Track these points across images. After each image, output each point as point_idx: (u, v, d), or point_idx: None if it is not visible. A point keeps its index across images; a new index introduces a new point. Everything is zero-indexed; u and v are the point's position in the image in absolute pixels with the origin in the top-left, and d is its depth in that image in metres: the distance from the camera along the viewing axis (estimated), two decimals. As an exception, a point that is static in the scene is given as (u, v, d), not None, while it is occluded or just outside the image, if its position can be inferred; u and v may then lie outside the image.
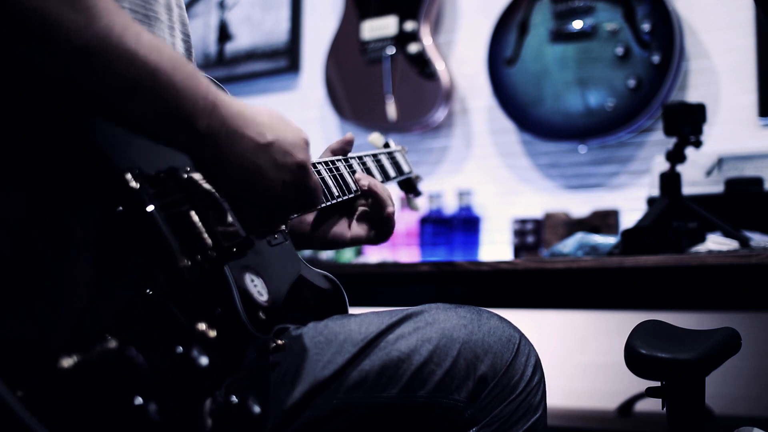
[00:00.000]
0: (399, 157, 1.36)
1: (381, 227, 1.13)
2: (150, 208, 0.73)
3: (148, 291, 0.70)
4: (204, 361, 0.70)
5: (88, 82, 0.66)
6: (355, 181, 1.12)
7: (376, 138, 1.40)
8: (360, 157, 1.20)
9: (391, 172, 1.29)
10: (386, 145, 1.39)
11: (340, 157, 1.13)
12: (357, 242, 1.13)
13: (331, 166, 1.09)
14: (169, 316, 0.71)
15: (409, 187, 1.44)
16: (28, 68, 0.64)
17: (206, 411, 0.70)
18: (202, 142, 0.75)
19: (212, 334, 0.73)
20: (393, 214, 1.12)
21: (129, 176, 0.73)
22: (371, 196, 1.11)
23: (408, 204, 1.47)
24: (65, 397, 0.59)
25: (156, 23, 0.87)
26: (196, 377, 0.70)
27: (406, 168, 1.36)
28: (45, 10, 0.62)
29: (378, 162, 1.26)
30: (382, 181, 1.23)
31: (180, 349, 0.69)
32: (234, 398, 0.75)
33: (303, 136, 0.86)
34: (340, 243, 1.13)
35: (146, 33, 0.70)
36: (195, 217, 0.78)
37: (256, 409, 0.76)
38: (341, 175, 1.10)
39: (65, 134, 0.70)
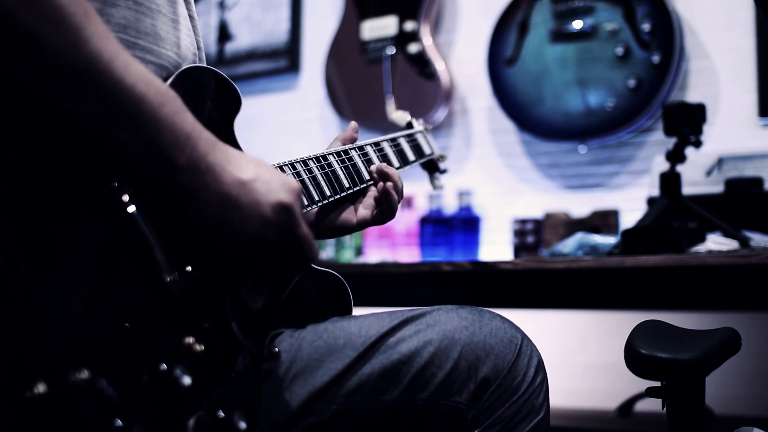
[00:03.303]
0: (420, 138, 1.32)
1: (385, 206, 1.10)
2: (132, 209, 0.71)
3: (133, 306, 0.69)
4: (187, 380, 0.68)
5: (72, 102, 0.66)
6: (370, 171, 1.10)
7: (399, 116, 1.36)
8: (377, 143, 1.17)
9: (411, 156, 1.25)
10: (409, 125, 1.36)
11: (353, 146, 1.11)
12: (363, 226, 1.11)
13: (344, 156, 1.07)
14: (155, 331, 0.70)
15: (432, 167, 1.41)
16: (16, 79, 0.64)
17: (191, 427, 0.69)
18: (180, 177, 0.73)
19: (199, 348, 0.72)
20: (392, 188, 1.09)
21: (116, 184, 0.71)
22: (382, 177, 1.10)
23: (431, 183, 1.43)
24: (42, 418, 0.59)
25: (157, 16, 0.86)
26: (178, 397, 0.68)
27: (427, 150, 1.32)
28: (34, 26, 0.63)
29: (396, 146, 1.22)
30: (400, 167, 1.20)
31: (164, 366, 0.68)
32: (220, 413, 0.73)
33: (291, 182, 0.80)
34: (347, 229, 1.11)
35: (136, 64, 0.70)
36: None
37: (242, 425, 0.74)
38: (354, 165, 1.08)
39: (59, 145, 0.69)
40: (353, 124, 1.15)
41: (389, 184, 1.09)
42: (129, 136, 0.69)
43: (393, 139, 1.22)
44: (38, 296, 0.61)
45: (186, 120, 0.73)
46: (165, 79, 0.85)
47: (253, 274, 0.80)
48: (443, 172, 1.42)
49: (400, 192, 1.11)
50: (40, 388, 0.59)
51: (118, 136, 0.69)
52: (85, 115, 0.67)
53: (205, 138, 0.75)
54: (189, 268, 0.75)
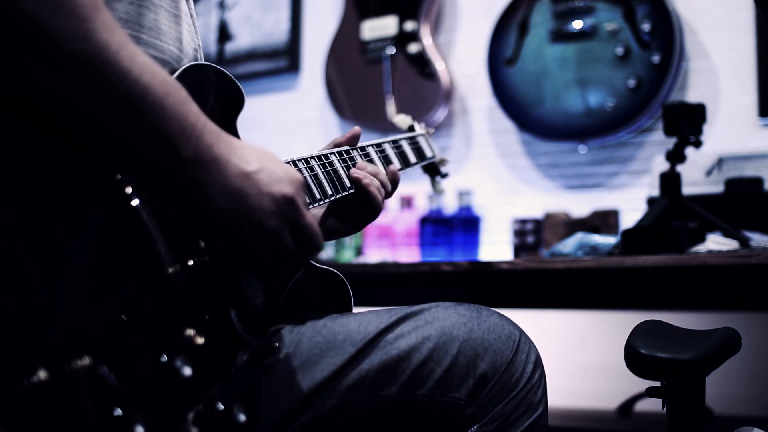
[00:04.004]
0: (422, 141, 1.32)
1: (368, 204, 1.08)
2: (135, 202, 0.71)
3: (134, 298, 0.69)
4: (187, 372, 0.68)
5: (78, 92, 0.66)
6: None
7: (401, 119, 1.36)
8: (378, 144, 1.17)
9: (412, 158, 1.25)
10: (411, 128, 1.36)
11: (355, 146, 1.11)
12: (356, 228, 1.11)
13: (345, 156, 1.07)
14: (156, 323, 0.70)
15: (434, 170, 1.41)
16: (22, 71, 0.64)
17: (190, 420, 0.69)
18: (186, 168, 0.73)
19: (200, 341, 0.72)
20: (370, 186, 1.06)
21: (119, 176, 0.71)
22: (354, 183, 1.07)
23: (433, 187, 1.43)
24: (42, 406, 0.59)
25: (159, 11, 0.86)
26: (179, 388, 0.68)
27: (428, 153, 1.33)
28: (42, 17, 0.62)
29: (398, 148, 1.22)
30: (401, 169, 1.20)
31: (165, 358, 0.68)
32: (220, 405, 0.73)
33: (294, 174, 0.82)
34: (337, 234, 1.12)
35: (142, 54, 0.71)
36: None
37: (242, 417, 0.74)
38: (355, 165, 1.08)
39: (63, 136, 0.69)
40: (356, 129, 1.14)
41: (366, 182, 1.06)
42: (135, 126, 0.69)
43: (395, 141, 1.22)
44: (40, 287, 0.61)
45: (191, 110, 0.74)
46: None
47: (263, 264, 0.81)
48: (444, 176, 1.42)
49: (379, 188, 1.08)
50: (41, 375, 0.58)
51: (124, 127, 0.69)
52: (91, 107, 0.67)
53: (209, 129, 0.76)
54: (191, 262, 0.75)
